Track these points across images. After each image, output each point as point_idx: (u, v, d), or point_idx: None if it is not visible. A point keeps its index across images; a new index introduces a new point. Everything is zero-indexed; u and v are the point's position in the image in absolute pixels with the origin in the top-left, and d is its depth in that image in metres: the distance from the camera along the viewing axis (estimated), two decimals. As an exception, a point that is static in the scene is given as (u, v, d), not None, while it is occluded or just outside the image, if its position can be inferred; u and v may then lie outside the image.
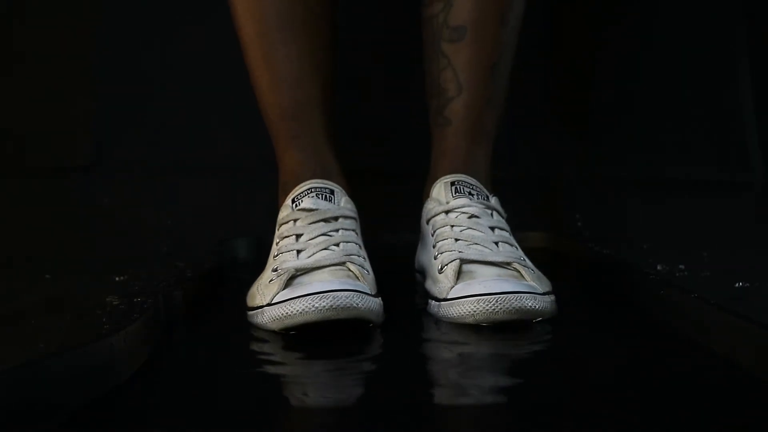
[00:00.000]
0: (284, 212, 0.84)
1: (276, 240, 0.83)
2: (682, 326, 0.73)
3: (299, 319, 0.71)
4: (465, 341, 0.72)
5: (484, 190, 0.87)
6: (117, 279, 0.92)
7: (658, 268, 0.94)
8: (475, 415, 0.56)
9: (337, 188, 0.85)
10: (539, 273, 0.80)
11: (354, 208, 0.85)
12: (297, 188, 0.85)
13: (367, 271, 0.79)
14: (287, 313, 0.72)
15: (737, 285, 0.87)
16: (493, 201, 0.87)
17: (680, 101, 1.39)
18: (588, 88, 1.40)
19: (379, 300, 0.76)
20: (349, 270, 0.77)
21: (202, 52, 1.36)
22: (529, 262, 0.81)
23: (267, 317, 0.74)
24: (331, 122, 0.93)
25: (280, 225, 0.83)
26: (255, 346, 0.73)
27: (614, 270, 0.92)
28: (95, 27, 1.37)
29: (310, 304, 0.71)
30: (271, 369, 0.68)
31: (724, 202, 1.35)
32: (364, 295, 0.73)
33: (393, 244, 1.12)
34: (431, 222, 0.86)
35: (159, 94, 1.37)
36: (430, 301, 0.81)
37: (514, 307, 0.73)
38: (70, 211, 1.30)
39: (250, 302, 0.79)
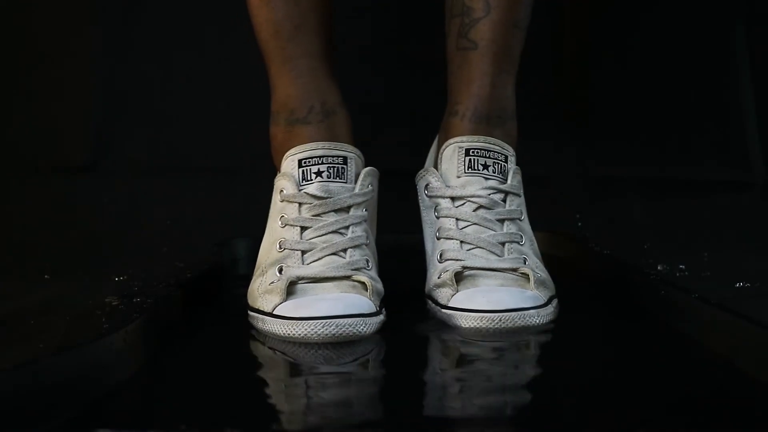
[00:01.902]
0: (288, 185, 0.78)
1: (279, 217, 0.78)
2: (683, 326, 0.73)
3: (300, 340, 0.71)
4: (466, 342, 0.72)
5: (504, 149, 0.82)
6: (117, 279, 0.92)
7: (659, 268, 0.94)
8: (476, 417, 0.55)
9: (351, 154, 0.79)
10: (544, 275, 0.79)
11: (372, 182, 0.80)
12: (305, 150, 0.78)
13: (375, 279, 0.76)
14: (289, 333, 0.71)
15: (737, 285, 0.87)
16: (510, 174, 0.82)
17: (680, 101, 1.39)
18: (588, 88, 1.39)
19: (381, 316, 0.74)
20: (356, 281, 0.75)
21: (202, 52, 1.36)
22: (533, 260, 0.79)
23: (268, 329, 0.73)
24: (329, 45, 0.84)
25: (284, 200, 0.78)
26: (255, 347, 0.73)
27: (614, 270, 0.92)
28: (95, 27, 1.37)
29: (312, 330, 0.70)
30: (270, 369, 0.68)
31: (725, 202, 1.34)
32: (368, 319, 0.71)
33: (393, 243, 1.12)
34: (435, 202, 0.82)
35: (159, 94, 1.37)
36: (430, 303, 0.80)
37: (517, 326, 0.73)
38: (70, 211, 1.30)
39: (251, 302, 0.78)
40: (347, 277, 0.75)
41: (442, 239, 0.81)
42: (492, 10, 0.82)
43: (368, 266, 0.77)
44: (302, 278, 0.74)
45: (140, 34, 1.37)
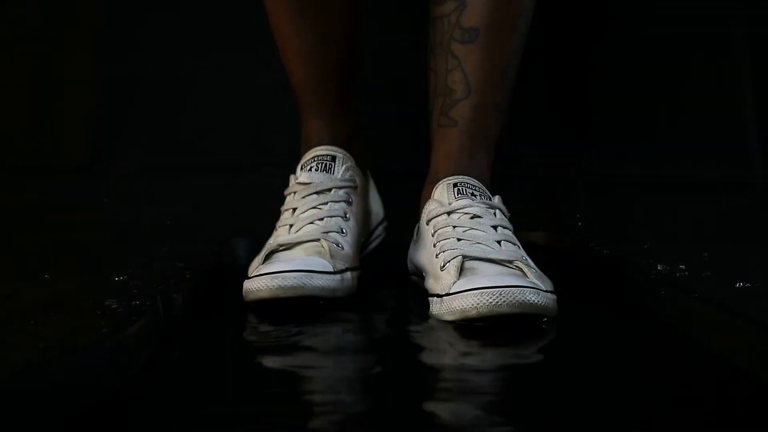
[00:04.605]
0: (291, 182, 0.92)
1: (282, 208, 0.91)
2: (682, 326, 0.73)
3: (255, 296, 0.80)
4: (465, 341, 0.72)
5: (487, 191, 0.88)
6: (116, 279, 0.92)
7: (659, 268, 0.94)
8: (475, 416, 0.55)
9: (340, 154, 0.92)
10: (541, 272, 0.80)
11: (353, 175, 0.92)
12: (304, 157, 0.93)
13: (341, 246, 0.86)
14: (250, 288, 0.81)
15: (738, 285, 0.87)
16: (496, 200, 0.87)
17: (680, 100, 1.39)
18: (588, 88, 1.39)
19: (338, 276, 0.82)
20: (322, 246, 0.84)
21: (203, 52, 1.36)
22: (531, 261, 0.81)
23: (243, 290, 0.82)
24: (350, 94, 0.97)
25: (287, 195, 0.91)
26: (254, 347, 0.73)
27: (614, 270, 0.92)
28: (95, 27, 1.37)
29: (263, 283, 0.79)
30: (270, 370, 0.68)
31: (725, 201, 1.34)
32: (315, 275, 0.80)
33: (392, 244, 1.12)
34: (432, 222, 0.86)
35: (158, 94, 1.37)
36: (430, 298, 0.81)
37: (517, 301, 0.73)
38: (70, 211, 1.30)
39: (249, 271, 0.86)
40: (316, 240, 0.84)
41: (440, 242, 0.83)
42: (472, 93, 0.89)
43: (343, 232, 0.87)
44: (282, 245, 0.85)
45: (141, 34, 1.37)
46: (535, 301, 0.74)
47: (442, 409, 0.57)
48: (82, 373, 0.56)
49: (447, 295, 0.77)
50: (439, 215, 0.85)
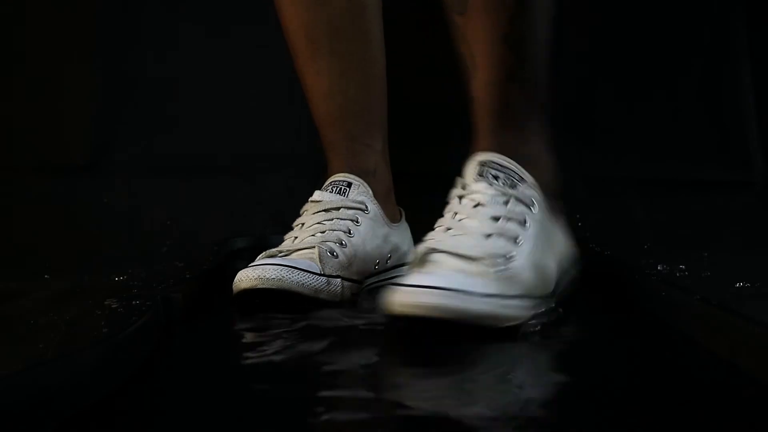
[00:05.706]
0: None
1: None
2: (683, 326, 0.73)
3: (237, 287, 0.82)
4: (465, 341, 0.72)
5: (518, 172, 0.80)
6: (117, 279, 0.92)
7: (659, 268, 0.94)
8: (475, 417, 0.55)
9: (356, 181, 0.93)
10: (527, 274, 0.75)
11: (364, 201, 0.92)
12: (325, 183, 0.94)
13: (336, 255, 0.86)
14: (234, 281, 0.83)
15: (737, 285, 0.87)
16: (523, 186, 0.79)
17: (680, 101, 1.39)
18: (588, 89, 1.39)
19: (323, 279, 0.83)
20: (314, 252, 0.85)
21: (203, 53, 1.36)
22: (516, 261, 0.75)
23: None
24: (371, 127, 0.97)
25: (301, 212, 0.93)
26: (254, 348, 0.73)
27: (614, 270, 0.92)
28: (96, 26, 1.37)
29: (244, 275, 0.82)
30: (269, 371, 0.68)
31: (725, 201, 1.34)
32: (296, 271, 0.81)
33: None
34: (450, 203, 0.81)
35: (159, 95, 1.37)
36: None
37: (432, 304, 0.69)
38: (70, 211, 1.30)
39: None
40: (311, 247, 0.86)
41: (435, 227, 0.79)
42: (478, 69, 0.81)
43: (342, 244, 0.88)
44: (282, 251, 0.87)
45: (141, 34, 1.37)
46: (459, 306, 0.69)
47: (443, 410, 0.57)
48: (81, 374, 0.56)
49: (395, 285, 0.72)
50: (453, 199, 0.80)
